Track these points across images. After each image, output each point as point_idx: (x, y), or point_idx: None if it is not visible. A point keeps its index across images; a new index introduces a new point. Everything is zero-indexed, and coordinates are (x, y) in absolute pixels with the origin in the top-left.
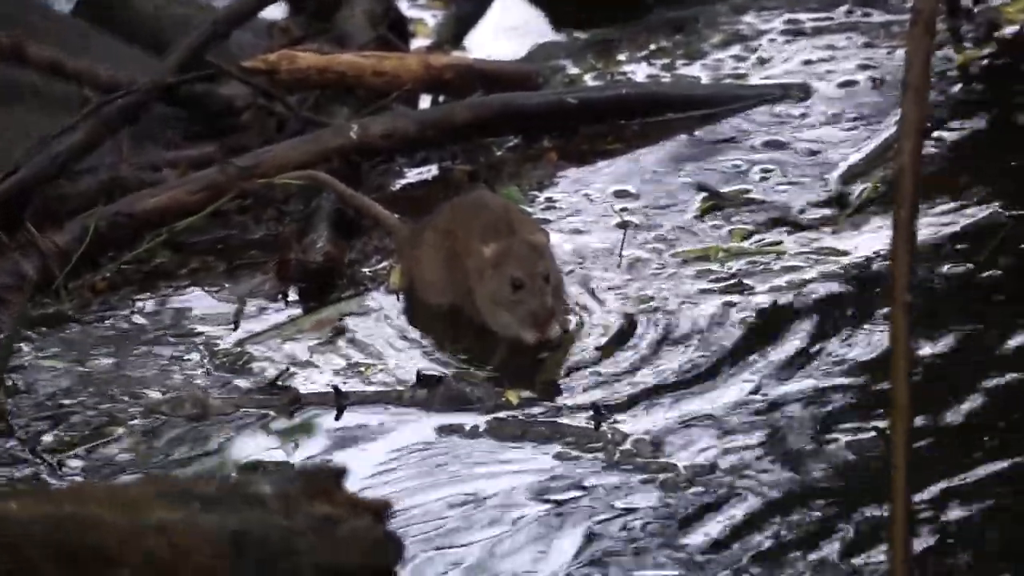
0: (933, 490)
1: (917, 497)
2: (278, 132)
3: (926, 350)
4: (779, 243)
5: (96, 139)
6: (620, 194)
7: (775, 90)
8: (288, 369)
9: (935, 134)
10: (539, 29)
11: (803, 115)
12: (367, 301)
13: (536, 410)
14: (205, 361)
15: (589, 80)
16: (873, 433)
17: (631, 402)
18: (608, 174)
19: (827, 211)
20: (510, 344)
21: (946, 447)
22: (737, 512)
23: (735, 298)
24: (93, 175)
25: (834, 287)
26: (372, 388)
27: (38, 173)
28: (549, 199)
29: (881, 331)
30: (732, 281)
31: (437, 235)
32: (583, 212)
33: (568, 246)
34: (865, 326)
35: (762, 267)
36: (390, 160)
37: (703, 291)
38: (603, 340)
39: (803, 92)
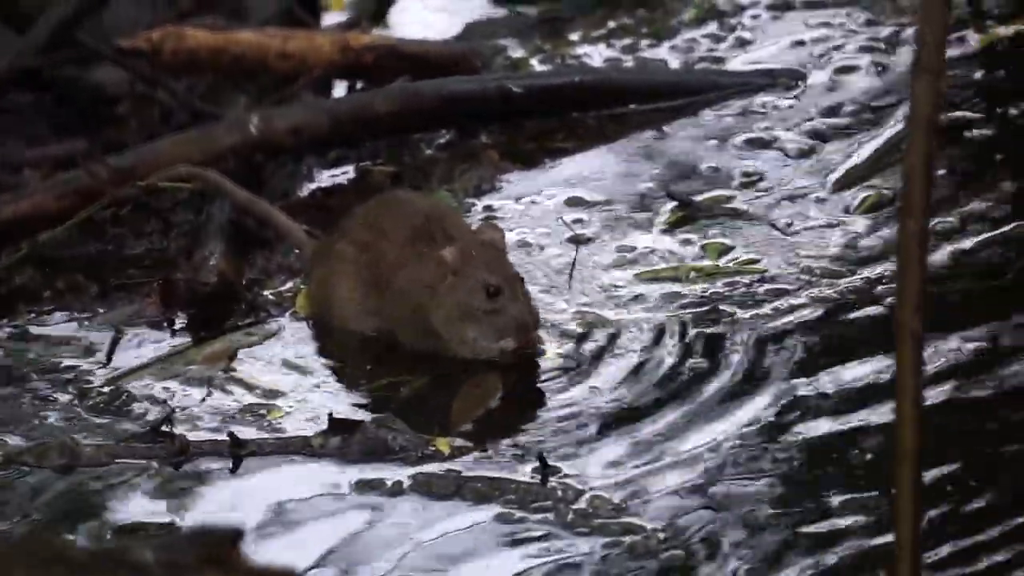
0: (941, 552)
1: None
2: (162, 125)
3: (937, 387)
4: (761, 261)
5: None
6: (573, 202)
7: (759, 77)
8: (174, 412)
9: (952, 129)
10: (476, 3)
11: (793, 107)
12: (269, 330)
13: (471, 461)
14: (75, 402)
15: (536, 64)
16: (875, 492)
17: (584, 450)
18: (559, 178)
19: (821, 222)
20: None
21: (961, 501)
22: None
23: (708, 328)
24: None
25: (828, 314)
26: (275, 435)
27: None
28: (488, 207)
29: (885, 365)
30: (705, 307)
31: (353, 247)
32: (528, 223)
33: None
34: (865, 359)
35: (741, 290)
36: (298, 160)
37: (671, 318)
38: (551, 376)
39: (793, 79)
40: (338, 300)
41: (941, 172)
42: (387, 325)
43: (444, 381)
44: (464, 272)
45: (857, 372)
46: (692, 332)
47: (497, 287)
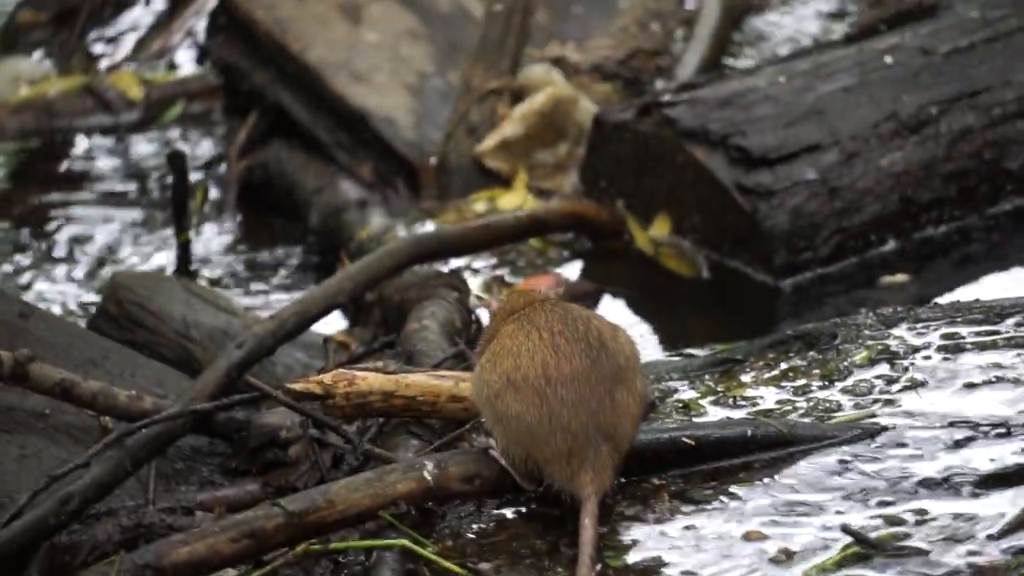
0: None
1: None
2: (333, 468)
3: None
4: None
5: (115, 477)
6: (750, 536)
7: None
8: None
9: None
10: (647, 345)
11: (962, 447)
12: None
13: None
14: None
15: (707, 406)
16: None
17: None
18: (734, 517)
19: (1000, 561)
20: None
21: None
22: None
23: None
24: (112, 519)
25: None
26: None
27: (43, 521)
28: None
29: None
30: None
31: None
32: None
33: None
34: None
35: None
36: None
37: None
38: None
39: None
40: None
41: None
42: None
43: None
44: None
45: None
46: None
47: None
